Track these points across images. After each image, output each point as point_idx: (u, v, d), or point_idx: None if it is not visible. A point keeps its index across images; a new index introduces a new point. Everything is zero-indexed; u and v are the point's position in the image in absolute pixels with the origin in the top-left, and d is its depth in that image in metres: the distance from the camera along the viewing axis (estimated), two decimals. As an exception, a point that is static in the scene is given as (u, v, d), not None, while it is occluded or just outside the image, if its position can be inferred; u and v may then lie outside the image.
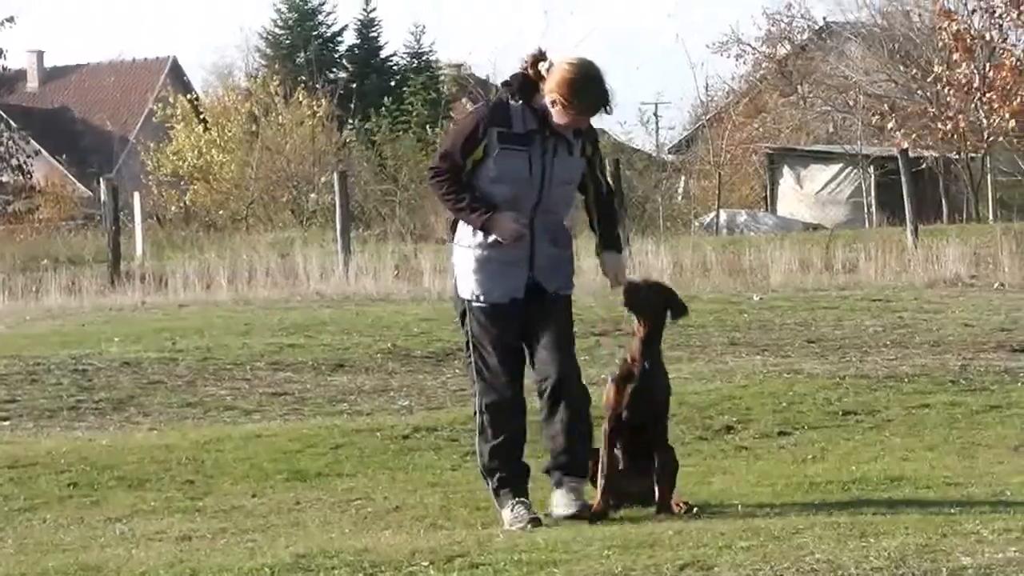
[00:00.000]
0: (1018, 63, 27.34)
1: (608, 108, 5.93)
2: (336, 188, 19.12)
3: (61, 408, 10.85)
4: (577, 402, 5.81)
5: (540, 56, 5.86)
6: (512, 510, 5.74)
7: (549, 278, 5.85)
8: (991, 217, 24.89)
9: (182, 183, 32.38)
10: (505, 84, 6.00)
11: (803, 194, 32.90)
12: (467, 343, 5.99)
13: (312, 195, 26.59)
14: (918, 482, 7.08)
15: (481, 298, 5.74)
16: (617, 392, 5.67)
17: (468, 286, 5.83)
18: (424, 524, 6.63)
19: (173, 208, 31.04)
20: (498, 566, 5.17)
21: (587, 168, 5.98)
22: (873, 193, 27.76)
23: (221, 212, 29.75)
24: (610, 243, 6.06)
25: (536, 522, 5.63)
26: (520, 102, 5.77)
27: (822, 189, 29.06)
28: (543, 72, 5.79)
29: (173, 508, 7.52)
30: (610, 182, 6.25)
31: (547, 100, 5.74)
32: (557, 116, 5.68)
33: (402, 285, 16.81)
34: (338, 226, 18.62)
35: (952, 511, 6.45)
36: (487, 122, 5.71)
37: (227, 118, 32.85)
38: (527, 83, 5.81)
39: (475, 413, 6.05)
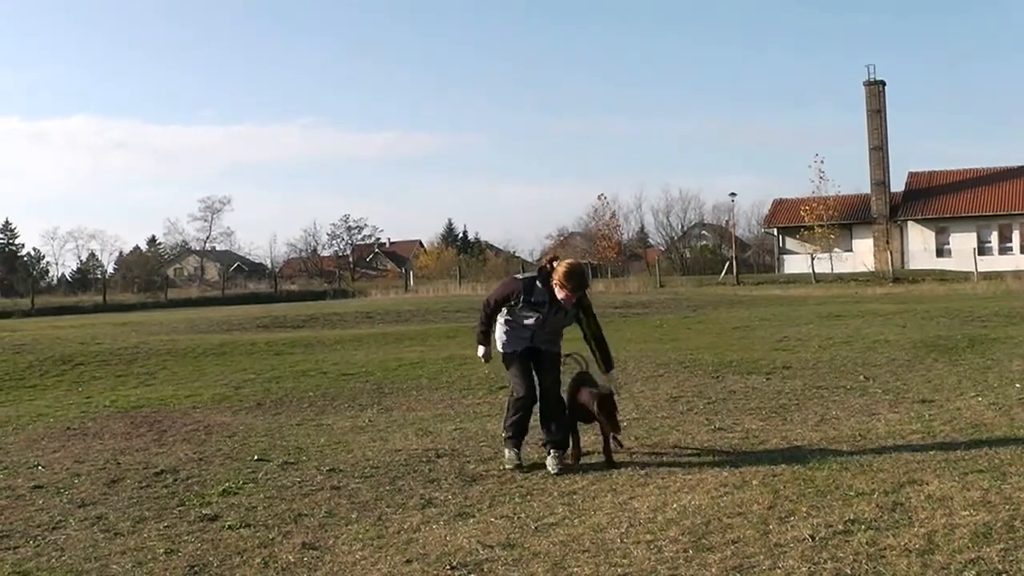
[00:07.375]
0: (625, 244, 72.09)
1: (586, 288, 7.19)
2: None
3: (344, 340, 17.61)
4: (557, 411, 7.29)
5: (554, 256, 7.32)
6: (508, 454, 7.28)
7: (543, 346, 7.31)
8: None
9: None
10: (538, 270, 7.26)
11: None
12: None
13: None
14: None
15: (503, 349, 7.43)
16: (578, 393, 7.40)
17: (501, 345, 7.43)
18: (436, 349, 15.17)
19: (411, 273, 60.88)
20: (436, 363, 13.12)
21: (579, 319, 7.27)
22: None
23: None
24: (606, 365, 7.37)
25: (519, 467, 7.15)
26: (540, 283, 7.13)
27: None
28: (555, 266, 7.13)
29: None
30: (593, 327, 7.34)
31: (554, 283, 7.02)
32: (559, 293, 7.06)
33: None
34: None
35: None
36: (520, 291, 7.20)
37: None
38: (544, 272, 7.18)
39: (507, 400, 7.45)
